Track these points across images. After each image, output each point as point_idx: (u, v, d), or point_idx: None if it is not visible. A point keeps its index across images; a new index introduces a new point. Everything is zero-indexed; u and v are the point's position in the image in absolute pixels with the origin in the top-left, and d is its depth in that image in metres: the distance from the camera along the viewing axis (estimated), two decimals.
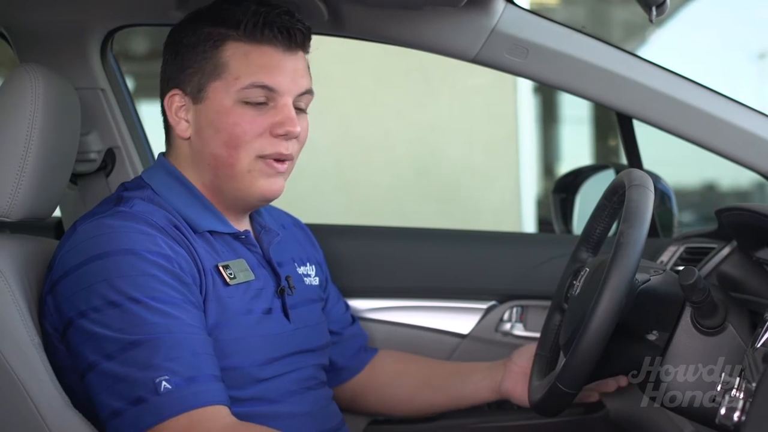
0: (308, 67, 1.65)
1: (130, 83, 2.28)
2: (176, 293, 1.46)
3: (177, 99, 1.61)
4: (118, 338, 1.41)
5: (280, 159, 1.59)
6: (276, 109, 1.58)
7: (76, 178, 2.12)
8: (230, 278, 1.57)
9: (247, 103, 1.57)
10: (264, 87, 1.57)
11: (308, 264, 1.81)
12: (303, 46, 1.63)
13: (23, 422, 1.46)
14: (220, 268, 1.57)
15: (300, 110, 1.63)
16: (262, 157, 1.58)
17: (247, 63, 1.57)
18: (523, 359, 1.88)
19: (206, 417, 1.40)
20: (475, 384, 1.92)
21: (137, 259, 1.46)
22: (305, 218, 1.99)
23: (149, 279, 1.45)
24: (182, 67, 1.61)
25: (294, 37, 1.59)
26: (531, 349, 1.86)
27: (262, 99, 1.57)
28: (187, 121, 1.61)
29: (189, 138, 1.62)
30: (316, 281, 1.81)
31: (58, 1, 1.96)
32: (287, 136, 1.58)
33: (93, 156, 2.10)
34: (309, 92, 1.63)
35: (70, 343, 1.48)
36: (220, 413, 1.42)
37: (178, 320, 1.44)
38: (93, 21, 2.04)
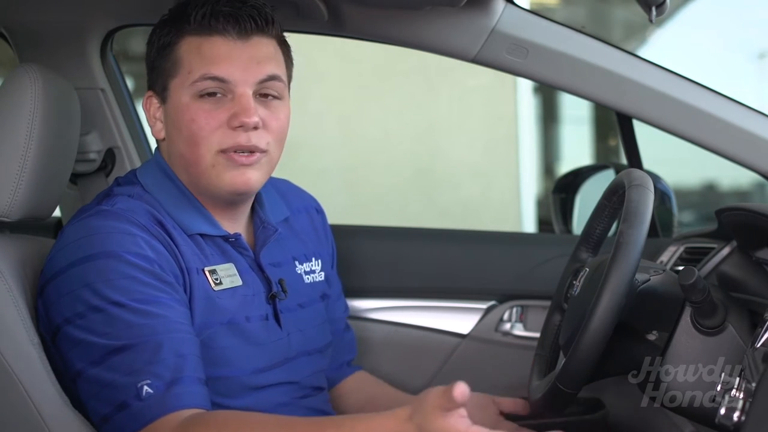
0: (280, 51, 1.61)
1: (130, 83, 2.28)
2: (160, 293, 1.46)
3: (153, 100, 1.61)
4: (102, 344, 1.42)
5: (243, 151, 1.54)
6: (233, 100, 1.54)
7: (76, 178, 2.12)
8: (215, 283, 1.56)
9: (202, 96, 1.54)
10: (215, 78, 1.53)
11: (313, 259, 1.78)
12: (262, 31, 1.57)
13: (23, 422, 1.46)
14: (206, 273, 1.56)
15: (271, 98, 1.58)
16: (223, 151, 1.54)
17: (199, 56, 1.54)
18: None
19: (183, 419, 1.39)
20: None
21: (118, 262, 1.45)
22: None
23: (131, 281, 1.44)
24: (151, 68, 1.61)
25: (244, 25, 1.55)
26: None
27: (214, 90, 1.54)
28: (161, 121, 1.61)
29: (164, 139, 1.61)
30: (321, 276, 1.78)
31: (58, 1, 1.96)
32: (244, 128, 1.53)
33: (93, 156, 2.10)
34: (275, 78, 1.57)
35: (60, 350, 1.48)
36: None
37: (163, 319, 1.43)
38: (93, 21, 2.04)
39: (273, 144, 1.58)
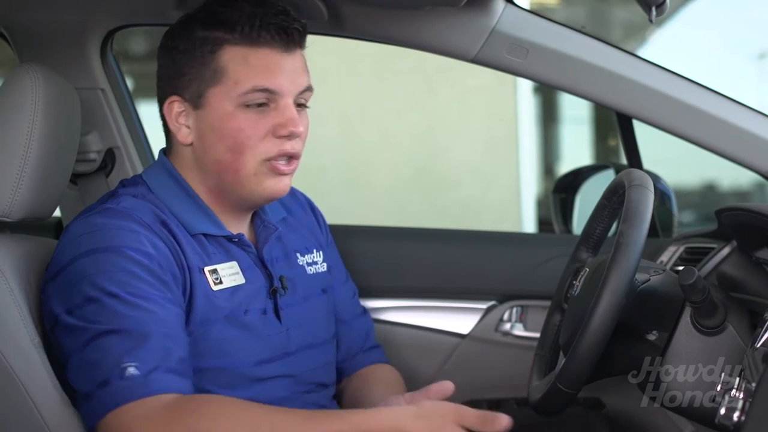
0: (305, 63, 1.64)
1: (130, 83, 2.28)
2: (154, 290, 1.48)
3: (176, 105, 1.61)
4: (93, 328, 1.44)
5: (285, 159, 1.58)
6: (278, 110, 1.57)
7: (76, 178, 2.12)
8: (215, 283, 1.57)
9: (248, 106, 1.56)
10: (265, 90, 1.56)
11: (314, 251, 1.80)
12: (301, 44, 1.62)
13: (23, 421, 1.47)
14: (206, 273, 1.57)
15: (301, 106, 1.62)
16: (267, 159, 1.57)
17: (247, 67, 1.56)
18: None
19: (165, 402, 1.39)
20: None
21: (118, 256, 1.47)
22: None
23: (128, 275, 1.46)
24: (179, 74, 1.60)
25: (292, 37, 1.58)
26: None
27: (263, 101, 1.57)
28: (187, 126, 1.61)
29: (191, 144, 1.62)
30: (323, 267, 1.80)
31: (58, 1, 1.96)
32: (291, 137, 1.57)
33: (93, 156, 2.10)
34: (309, 89, 1.63)
35: (57, 339, 1.49)
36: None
37: (153, 315, 1.45)
38: (93, 21, 2.04)
39: (301, 151, 1.63)
